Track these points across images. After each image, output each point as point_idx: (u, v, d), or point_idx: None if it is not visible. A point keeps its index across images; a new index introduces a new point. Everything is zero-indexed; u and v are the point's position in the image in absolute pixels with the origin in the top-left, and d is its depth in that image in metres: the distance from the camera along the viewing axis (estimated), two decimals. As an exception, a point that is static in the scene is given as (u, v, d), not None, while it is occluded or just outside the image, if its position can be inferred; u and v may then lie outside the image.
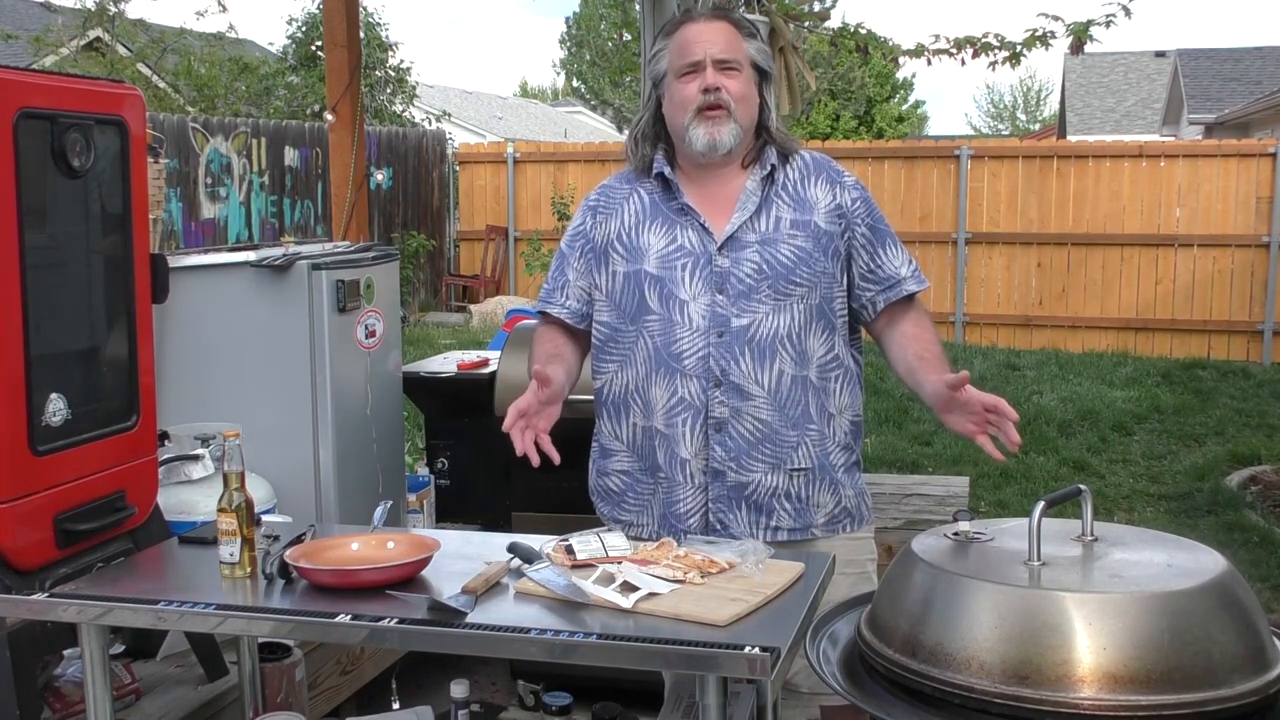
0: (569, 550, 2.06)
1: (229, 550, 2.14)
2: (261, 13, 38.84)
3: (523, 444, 2.20)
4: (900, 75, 31.30)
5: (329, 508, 3.46)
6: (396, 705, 3.28)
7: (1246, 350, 11.32)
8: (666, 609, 1.88)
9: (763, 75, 2.45)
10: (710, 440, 2.36)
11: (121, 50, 14.80)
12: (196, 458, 3.02)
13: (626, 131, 2.66)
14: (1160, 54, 26.84)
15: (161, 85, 14.90)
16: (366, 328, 3.60)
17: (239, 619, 2.03)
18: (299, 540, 2.23)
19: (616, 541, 2.11)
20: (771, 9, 5.38)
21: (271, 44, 18.87)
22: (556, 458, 2.21)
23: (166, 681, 2.81)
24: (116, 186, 2.58)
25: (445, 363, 4.34)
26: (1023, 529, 1.72)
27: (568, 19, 32.39)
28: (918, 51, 6.59)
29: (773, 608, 1.93)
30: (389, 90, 17.70)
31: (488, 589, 2.02)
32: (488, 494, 4.07)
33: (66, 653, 2.58)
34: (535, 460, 2.20)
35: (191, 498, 2.95)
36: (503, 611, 1.94)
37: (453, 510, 4.20)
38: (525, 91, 42.94)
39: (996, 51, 6.47)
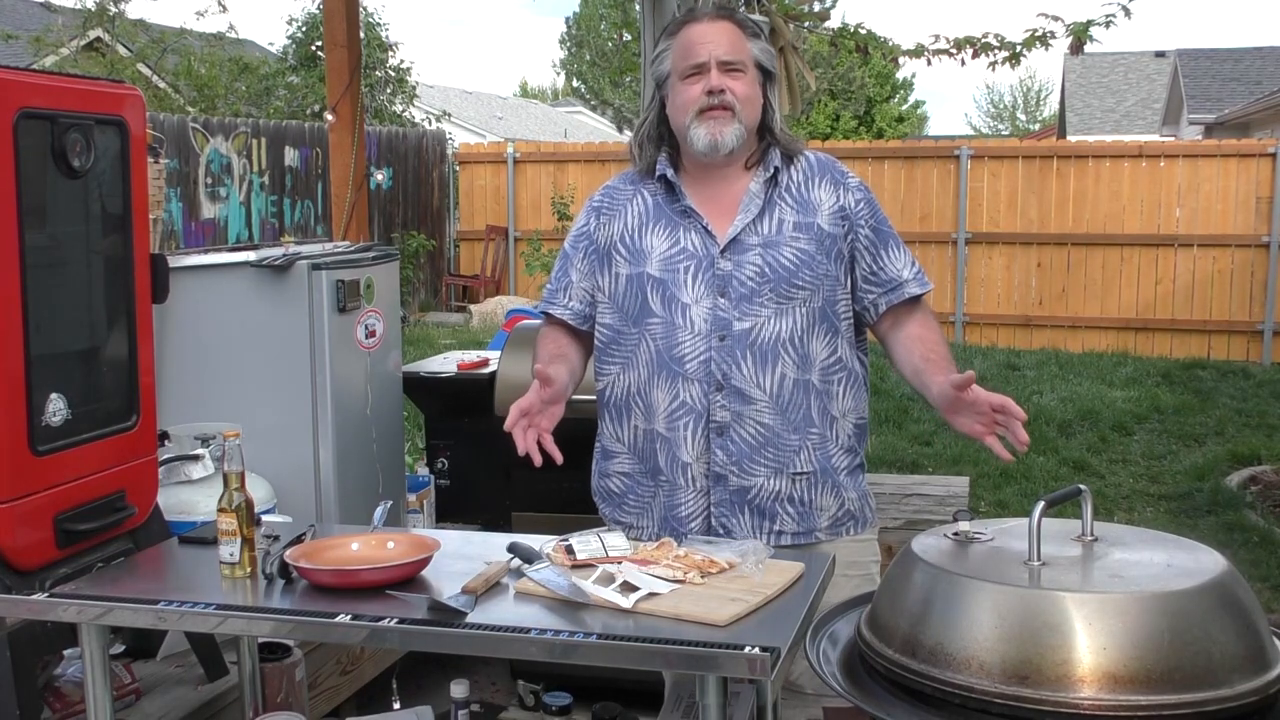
0: (569, 550, 2.06)
1: (229, 550, 2.14)
2: (261, 13, 38.86)
3: (525, 443, 2.20)
4: (900, 75, 31.30)
5: (329, 508, 3.46)
6: (397, 705, 3.28)
7: (1246, 350, 11.32)
8: (666, 609, 1.88)
9: (766, 76, 2.44)
10: (712, 444, 2.35)
11: (121, 50, 14.80)
12: (196, 458, 3.02)
13: (629, 133, 2.65)
14: (1160, 54, 26.84)
15: (161, 85, 14.90)
16: (366, 328, 3.60)
17: (239, 619, 2.03)
18: (299, 540, 2.23)
19: (616, 541, 2.11)
20: (771, 9, 5.38)
21: (271, 44, 18.89)
22: (559, 457, 2.20)
23: (166, 681, 2.81)
24: (116, 186, 2.58)
25: (445, 363, 4.34)
26: (1023, 529, 1.72)
27: (568, 19, 32.36)
28: (918, 51, 6.59)
29: (773, 608, 1.93)
30: (389, 90, 17.70)
31: (488, 589, 2.01)
32: (488, 494, 4.07)
33: (66, 653, 2.58)
34: (538, 460, 2.20)
35: (191, 498, 2.95)
36: (503, 611, 1.94)
37: (453, 510, 4.20)
38: (525, 92, 42.95)
39: (996, 51, 6.47)
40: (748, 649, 1.74)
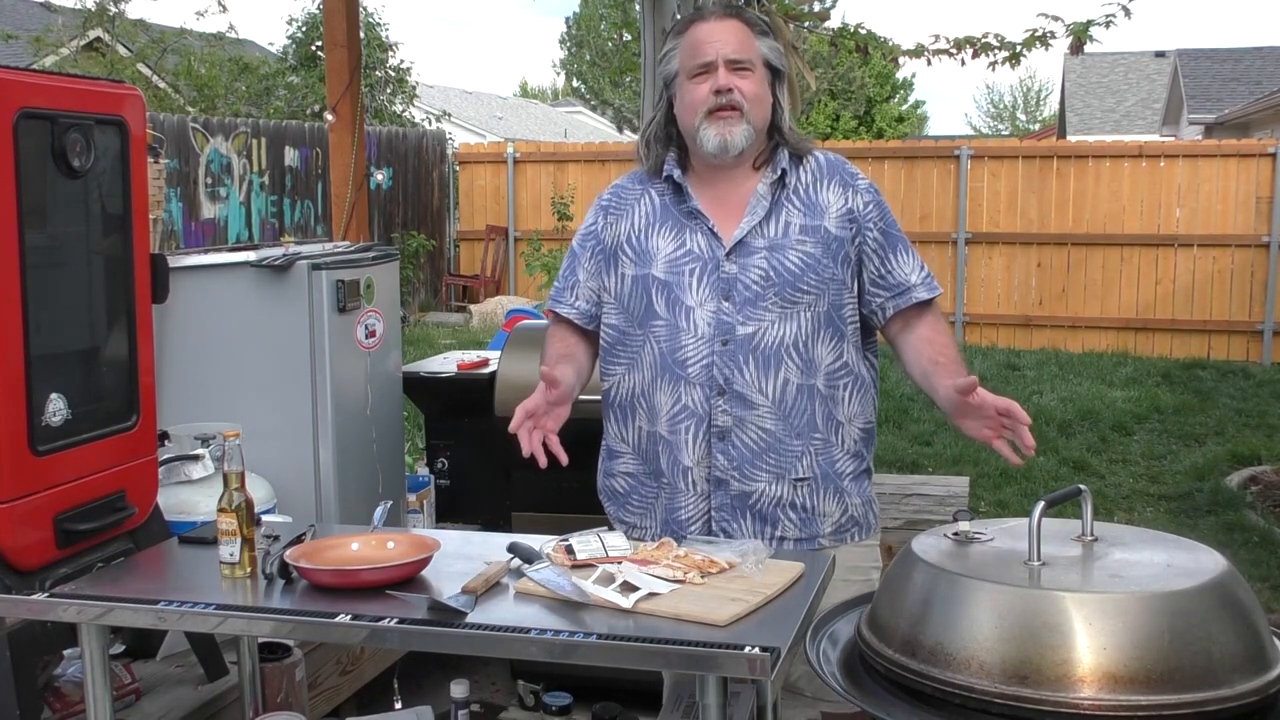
0: (569, 550, 2.06)
1: (229, 550, 2.14)
2: (261, 13, 38.87)
3: (530, 444, 2.19)
4: (900, 75, 31.30)
5: (329, 508, 3.46)
6: (399, 705, 3.28)
7: (1246, 350, 11.32)
8: (666, 609, 1.88)
9: (775, 74, 2.40)
10: (713, 449, 2.33)
11: (121, 50, 14.80)
12: (196, 458, 3.02)
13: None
14: (1160, 54, 26.84)
15: (161, 85, 14.90)
16: (366, 328, 3.60)
17: (239, 619, 2.03)
18: (299, 540, 2.23)
19: (616, 541, 2.11)
20: (771, 9, 5.38)
21: (271, 44, 18.89)
22: (564, 459, 2.20)
23: (166, 681, 2.81)
24: (116, 186, 2.58)
25: (445, 363, 4.34)
26: (1023, 529, 1.72)
27: (568, 19, 32.38)
28: (918, 51, 6.59)
29: (773, 608, 1.93)
30: (389, 90, 17.70)
31: (488, 589, 2.01)
32: (488, 494, 4.07)
33: (66, 653, 2.58)
34: (543, 461, 2.20)
35: (191, 498, 2.95)
36: (503, 611, 1.94)
37: (453, 510, 4.20)
38: (525, 92, 42.95)
39: (996, 51, 6.46)
40: (748, 649, 1.74)
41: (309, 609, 1.98)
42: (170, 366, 3.31)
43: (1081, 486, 1.81)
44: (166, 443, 2.98)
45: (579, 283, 2.49)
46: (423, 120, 18.46)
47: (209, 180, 11.47)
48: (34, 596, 2.10)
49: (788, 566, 2.07)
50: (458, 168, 14.35)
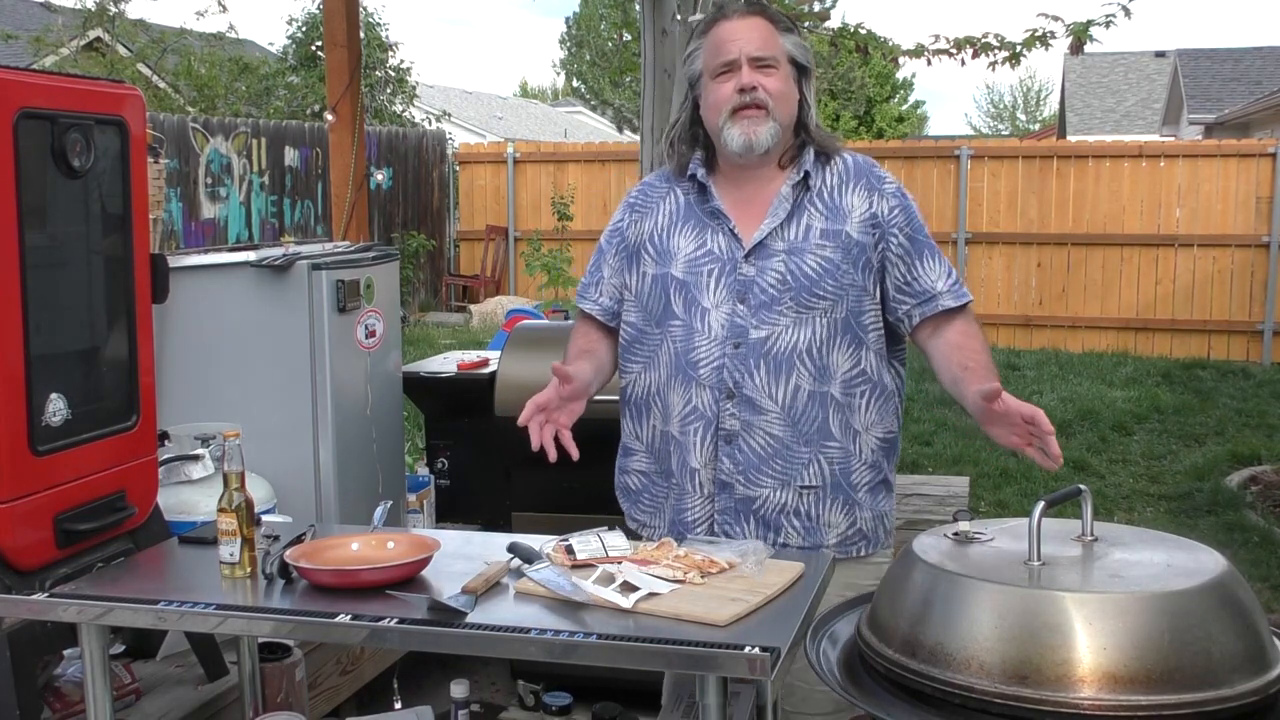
0: (569, 550, 2.06)
1: (229, 550, 2.14)
2: (261, 13, 38.88)
3: (539, 438, 2.19)
4: (900, 75, 31.32)
5: (329, 508, 3.46)
6: (399, 705, 3.28)
7: (1246, 350, 11.32)
8: (666, 609, 1.88)
9: (801, 71, 2.37)
10: (720, 452, 2.32)
11: (121, 50, 14.81)
12: (196, 458, 3.02)
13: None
14: (1160, 54, 26.84)
15: (161, 85, 14.91)
16: (366, 328, 3.60)
17: (239, 619, 2.03)
18: (299, 540, 2.23)
19: (616, 541, 2.11)
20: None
21: (271, 44, 18.91)
22: (575, 453, 2.19)
23: (166, 681, 2.81)
24: (116, 186, 2.58)
25: (445, 363, 4.34)
26: (1023, 529, 1.72)
27: (568, 19, 32.40)
28: (918, 51, 6.59)
29: (773, 608, 1.93)
30: (389, 90, 17.70)
31: (488, 589, 2.01)
32: (488, 494, 4.07)
33: (66, 653, 2.58)
34: (553, 455, 2.19)
35: (191, 498, 2.95)
36: (503, 611, 1.94)
37: (453, 510, 4.20)
38: (525, 92, 42.96)
39: (996, 51, 6.47)
40: (748, 649, 1.74)
41: (309, 609, 1.98)
42: (170, 366, 3.31)
43: (1081, 486, 1.81)
44: (166, 443, 2.98)
45: (604, 279, 2.48)
46: (423, 120, 18.46)
47: (209, 180, 11.47)
48: (34, 596, 2.10)
49: (788, 566, 2.07)
50: (458, 168, 14.35)
